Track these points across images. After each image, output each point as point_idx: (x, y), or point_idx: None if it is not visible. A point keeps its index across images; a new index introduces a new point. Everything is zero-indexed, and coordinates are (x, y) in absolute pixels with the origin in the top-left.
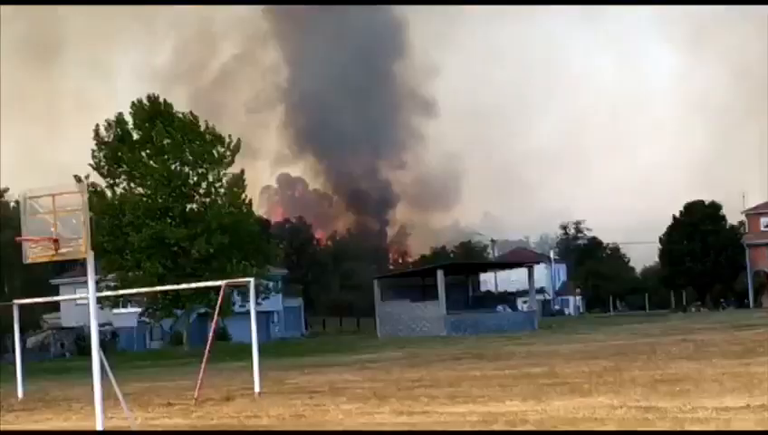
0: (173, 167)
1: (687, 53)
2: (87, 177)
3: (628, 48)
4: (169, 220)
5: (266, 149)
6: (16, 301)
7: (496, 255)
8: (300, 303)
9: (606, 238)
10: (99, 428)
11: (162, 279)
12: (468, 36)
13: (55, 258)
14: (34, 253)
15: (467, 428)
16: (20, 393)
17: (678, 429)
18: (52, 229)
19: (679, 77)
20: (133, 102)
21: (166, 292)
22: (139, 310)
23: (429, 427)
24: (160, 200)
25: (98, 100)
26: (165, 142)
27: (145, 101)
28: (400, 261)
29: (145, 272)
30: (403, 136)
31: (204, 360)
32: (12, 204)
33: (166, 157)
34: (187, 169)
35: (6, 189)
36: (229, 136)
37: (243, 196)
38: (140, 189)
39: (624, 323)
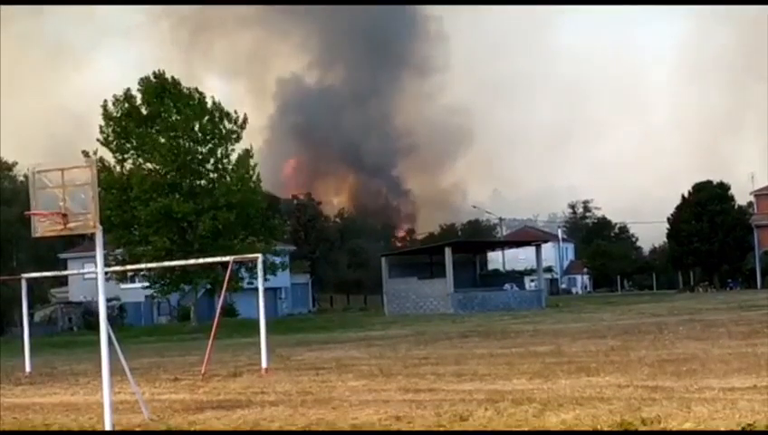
0: (181, 142)
1: (695, 29)
2: (95, 152)
3: (636, 24)
4: (177, 195)
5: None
6: (24, 275)
7: (504, 233)
8: (307, 279)
9: (614, 218)
10: (105, 402)
11: (169, 254)
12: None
13: (64, 232)
14: (43, 227)
15: (473, 405)
16: (27, 367)
17: (686, 408)
18: (61, 204)
19: (688, 53)
20: (141, 78)
21: (173, 267)
22: (146, 284)
23: (436, 405)
24: (168, 176)
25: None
26: (173, 118)
27: (152, 77)
28: (408, 239)
29: (152, 247)
30: (411, 112)
31: (211, 335)
32: (20, 178)
33: (172, 133)
34: (194, 145)
35: (15, 163)
36: (235, 111)
37: (251, 172)
38: (149, 165)
39: (631, 302)
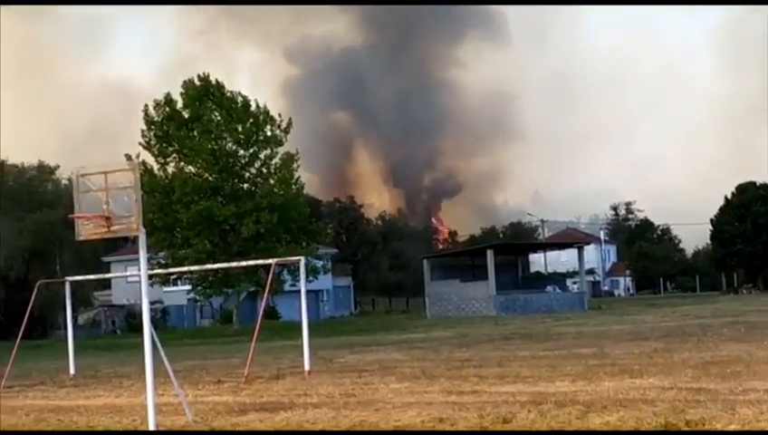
0: (223, 145)
1: (732, 21)
2: (138, 155)
3: (675, 27)
4: (219, 198)
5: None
6: (68, 278)
7: (546, 235)
8: (349, 282)
9: (656, 219)
10: (149, 404)
11: (211, 257)
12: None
13: (107, 235)
14: (87, 230)
15: (517, 408)
16: (72, 369)
17: (730, 410)
18: (105, 207)
19: (727, 47)
20: (184, 81)
21: (216, 270)
22: (189, 287)
23: (479, 407)
24: (211, 178)
25: None
26: (214, 120)
27: (196, 80)
28: (450, 241)
29: (194, 250)
30: (454, 119)
31: (254, 338)
32: (63, 181)
33: (213, 135)
34: (236, 148)
35: (57, 167)
36: (279, 115)
37: (295, 176)
38: (190, 168)
39: (674, 304)
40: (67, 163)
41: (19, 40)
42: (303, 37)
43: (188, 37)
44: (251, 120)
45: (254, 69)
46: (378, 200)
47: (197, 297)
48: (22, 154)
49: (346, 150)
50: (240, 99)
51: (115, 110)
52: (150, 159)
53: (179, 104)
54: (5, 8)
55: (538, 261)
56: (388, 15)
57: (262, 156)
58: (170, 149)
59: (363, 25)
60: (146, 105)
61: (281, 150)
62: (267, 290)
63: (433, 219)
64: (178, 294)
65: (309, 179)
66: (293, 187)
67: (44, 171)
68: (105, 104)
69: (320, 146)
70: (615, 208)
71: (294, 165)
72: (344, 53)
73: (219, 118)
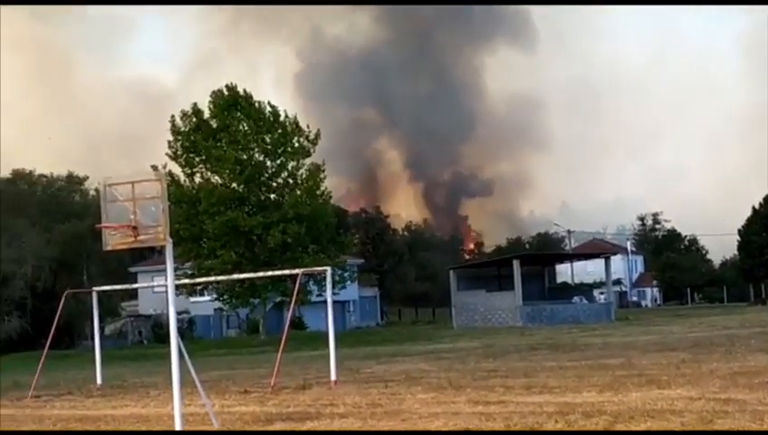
0: (251, 155)
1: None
2: (164, 166)
3: (701, 32)
4: (246, 209)
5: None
6: (95, 288)
7: (573, 246)
8: (375, 292)
9: (683, 230)
10: (176, 414)
11: (237, 267)
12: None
13: (134, 245)
14: (114, 240)
15: (544, 418)
16: (99, 379)
17: (759, 421)
18: (132, 217)
19: (758, 59)
20: (212, 91)
21: (242, 280)
22: (216, 298)
23: (506, 417)
24: (238, 189)
25: None
26: (241, 130)
27: (225, 91)
28: (476, 251)
29: (220, 260)
30: (482, 126)
31: (280, 348)
32: (91, 192)
33: (240, 144)
34: (263, 158)
35: (86, 178)
36: (308, 126)
37: (322, 187)
38: (217, 178)
39: (702, 315)
40: (93, 172)
41: (41, 43)
42: (325, 36)
43: (209, 36)
44: (279, 131)
45: (275, 68)
46: (404, 210)
47: (224, 307)
48: (48, 164)
49: (368, 154)
50: (269, 109)
51: (139, 113)
52: (177, 170)
53: (206, 114)
54: (28, 13)
55: (564, 271)
56: (410, 17)
57: (289, 166)
58: (197, 159)
59: (385, 26)
60: (173, 116)
61: (308, 161)
62: (294, 300)
63: (460, 230)
64: (205, 304)
65: (333, 183)
66: (320, 197)
67: (73, 182)
68: (129, 109)
69: (342, 148)
70: (642, 219)
71: (321, 175)
72: (365, 54)
73: (247, 128)
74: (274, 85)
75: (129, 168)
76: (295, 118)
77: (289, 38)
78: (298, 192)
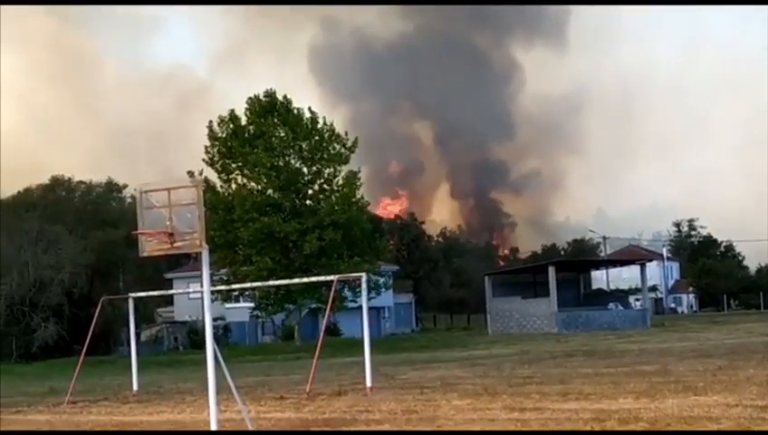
0: (285, 161)
1: None
2: (201, 172)
3: (736, 35)
4: (281, 215)
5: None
6: (131, 295)
7: (608, 252)
8: (411, 299)
9: (719, 236)
10: (212, 420)
11: (273, 274)
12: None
13: (170, 252)
14: (150, 246)
15: (580, 425)
16: (135, 386)
17: None
18: (168, 223)
19: None
20: (249, 97)
21: (278, 287)
22: (252, 305)
23: (542, 424)
24: (276, 196)
25: None
26: (278, 136)
27: (262, 96)
28: (511, 258)
29: (255, 266)
30: (518, 131)
31: (316, 354)
32: (128, 200)
33: (276, 150)
34: (299, 165)
35: (125, 186)
36: (346, 133)
37: (358, 194)
38: (253, 184)
39: (738, 321)
40: (129, 177)
41: (71, 46)
42: (355, 31)
43: (235, 31)
44: (316, 138)
45: (306, 64)
46: (437, 215)
47: (260, 314)
48: (85, 169)
49: (404, 157)
50: (307, 115)
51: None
52: (213, 176)
53: (243, 120)
54: (59, 15)
55: (600, 278)
56: (444, 15)
57: (325, 173)
58: (233, 165)
59: (417, 25)
60: (210, 121)
61: (345, 168)
62: (329, 307)
63: (494, 239)
64: (240, 310)
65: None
66: (356, 205)
67: (112, 189)
68: (160, 107)
69: (374, 148)
70: (678, 225)
71: (357, 182)
72: (397, 49)
73: (283, 134)
74: (304, 81)
75: (161, 167)
76: (332, 125)
77: (316, 34)
78: (334, 199)
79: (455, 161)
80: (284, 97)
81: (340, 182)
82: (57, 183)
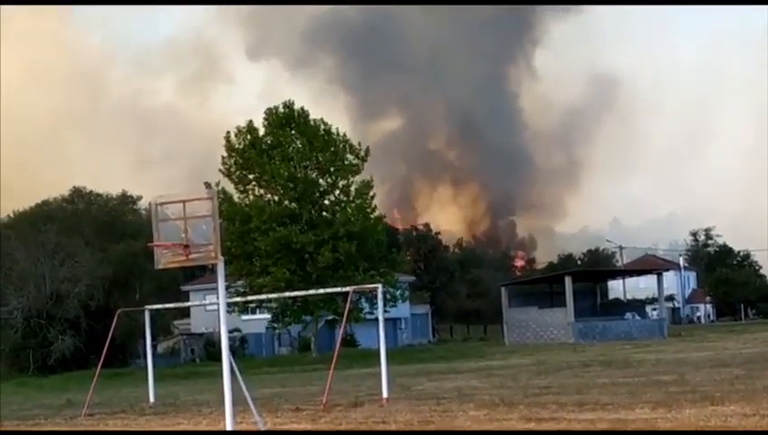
0: (305, 172)
1: None
2: (217, 183)
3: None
4: (297, 226)
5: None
6: (147, 307)
7: (624, 262)
8: (427, 309)
9: (736, 245)
10: (229, 431)
11: (289, 285)
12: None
13: (185, 264)
14: (166, 258)
15: None
16: (152, 397)
17: None
18: (183, 235)
19: None
20: (267, 108)
21: (294, 298)
22: (268, 316)
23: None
24: (292, 206)
25: None
26: (295, 147)
27: (281, 108)
28: (527, 268)
29: (272, 277)
30: (535, 148)
31: (332, 366)
32: (143, 212)
33: (293, 161)
34: (315, 175)
35: (140, 197)
36: (359, 144)
37: (372, 204)
38: (269, 195)
39: (756, 330)
40: (146, 190)
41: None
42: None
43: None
44: (331, 149)
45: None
46: (454, 226)
47: (276, 325)
48: (103, 181)
49: (418, 163)
50: (323, 127)
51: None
52: (230, 187)
53: (261, 131)
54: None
55: (616, 288)
56: (463, 15)
57: (340, 184)
58: (250, 176)
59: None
60: (227, 132)
61: (358, 178)
62: (345, 318)
63: (514, 252)
64: (257, 322)
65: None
66: (371, 215)
67: (126, 201)
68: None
69: (386, 155)
70: (694, 234)
71: (370, 193)
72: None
73: (300, 145)
74: (320, 90)
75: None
76: (345, 135)
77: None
78: (349, 210)
79: (470, 170)
80: (302, 108)
81: (354, 192)
82: (78, 195)
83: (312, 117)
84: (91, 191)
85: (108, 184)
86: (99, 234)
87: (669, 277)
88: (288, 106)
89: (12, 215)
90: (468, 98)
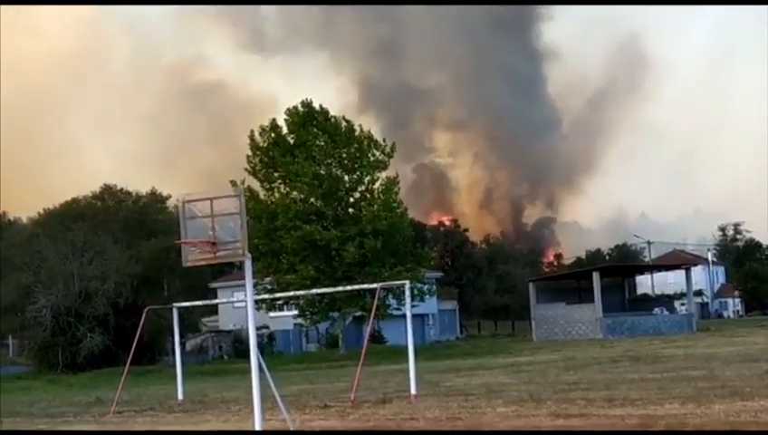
0: (329, 169)
1: None
2: (243, 181)
3: None
4: (323, 223)
5: None
6: (176, 304)
7: (653, 257)
8: (455, 305)
9: (766, 240)
10: (257, 429)
11: (316, 282)
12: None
13: (213, 261)
14: (193, 256)
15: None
16: (180, 395)
17: None
18: (210, 233)
19: None
20: (288, 108)
21: (321, 295)
22: (296, 313)
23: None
24: (318, 204)
25: None
26: (318, 145)
27: (300, 107)
28: (555, 263)
29: (299, 275)
30: (562, 141)
31: (360, 362)
32: (171, 210)
33: (316, 159)
34: (340, 173)
35: (169, 196)
36: (384, 140)
37: (395, 199)
38: (295, 193)
39: None
40: (172, 187)
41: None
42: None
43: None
44: (355, 146)
45: (333, 62)
46: (482, 222)
47: (303, 322)
48: (134, 179)
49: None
50: (344, 124)
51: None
52: (256, 185)
53: (284, 130)
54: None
55: (645, 283)
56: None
57: (365, 180)
58: (275, 174)
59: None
60: (251, 131)
61: (383, 175)
62: (373, 314)
63: (542, 248)
64: (284, 319)
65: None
66: (397, 211)
67: (156, 200)
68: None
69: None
70: (723, 229)
71: (395, 188)
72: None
73: (323, 143)
74: (340, 91)
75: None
76: (369, 132)
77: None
78: (374, 206)
79: (498, 167)
80: (321, 106)
81: (380, 189)
82: (108, 193)
83: (332, 114)
84: (121, 189)
85: (138, 182)
86: (128, 232)
87: (698, 272)
88: (307, 105)
89: (42, 213)
90: (500, 95)
